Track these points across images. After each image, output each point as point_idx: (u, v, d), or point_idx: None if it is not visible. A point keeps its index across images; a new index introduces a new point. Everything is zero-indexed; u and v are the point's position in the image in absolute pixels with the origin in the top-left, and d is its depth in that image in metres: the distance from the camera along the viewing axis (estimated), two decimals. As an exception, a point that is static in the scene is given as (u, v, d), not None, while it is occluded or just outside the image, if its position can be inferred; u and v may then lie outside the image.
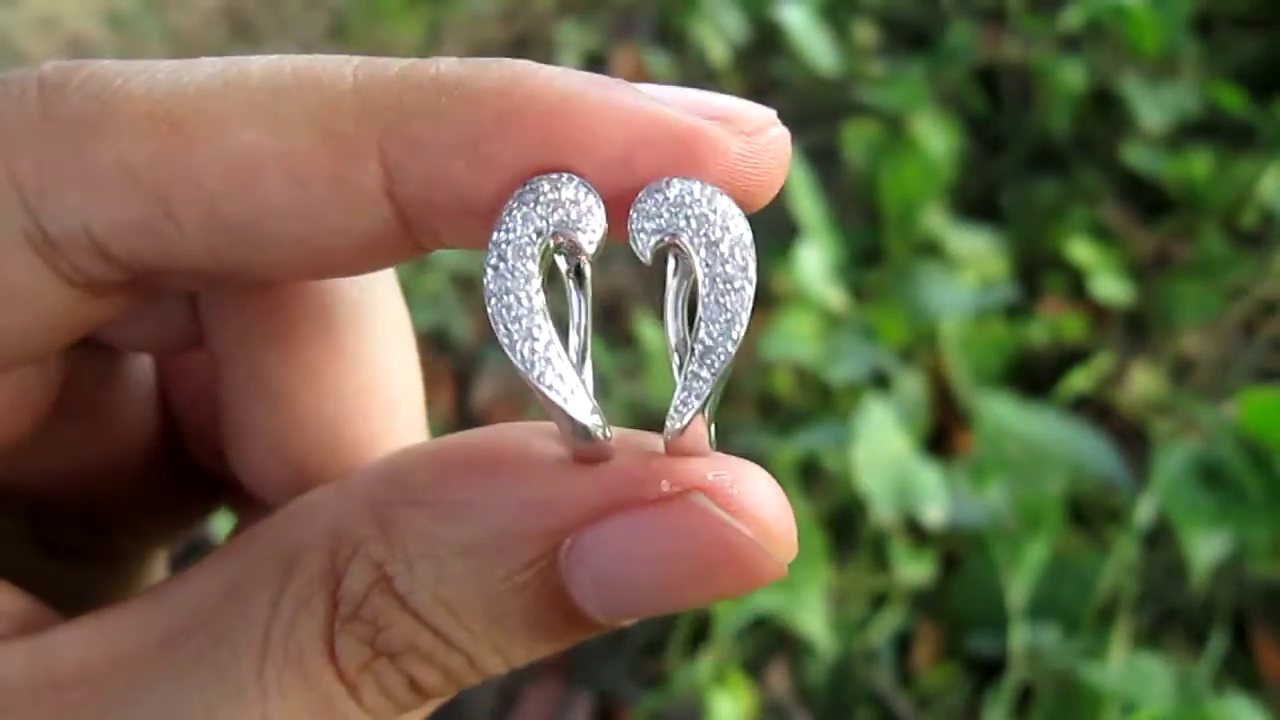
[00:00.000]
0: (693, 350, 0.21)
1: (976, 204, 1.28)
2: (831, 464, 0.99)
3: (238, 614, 0.22)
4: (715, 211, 0.21)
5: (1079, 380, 1.08)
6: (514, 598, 0.21)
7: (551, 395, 0.20)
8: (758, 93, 1.44)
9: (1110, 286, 1.15)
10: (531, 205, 0.20)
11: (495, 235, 0.21)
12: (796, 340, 1.04)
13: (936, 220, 1.19)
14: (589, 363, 0.22)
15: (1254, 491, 0.90)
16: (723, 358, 0.20)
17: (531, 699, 1.01)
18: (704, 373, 0.20)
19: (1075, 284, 1.18)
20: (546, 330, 0.20)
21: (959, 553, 0.99)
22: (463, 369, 1.29)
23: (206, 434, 0.30)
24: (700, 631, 0.98)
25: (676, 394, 0.21)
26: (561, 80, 0.20)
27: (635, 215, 0.21)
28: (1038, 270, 1.21)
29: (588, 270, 0.21)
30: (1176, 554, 0.94)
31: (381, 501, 0.22)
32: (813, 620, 0.87)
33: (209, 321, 0.26)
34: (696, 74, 1.50)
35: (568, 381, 0.20)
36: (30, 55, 1.94)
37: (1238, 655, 0.94)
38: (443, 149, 0.20)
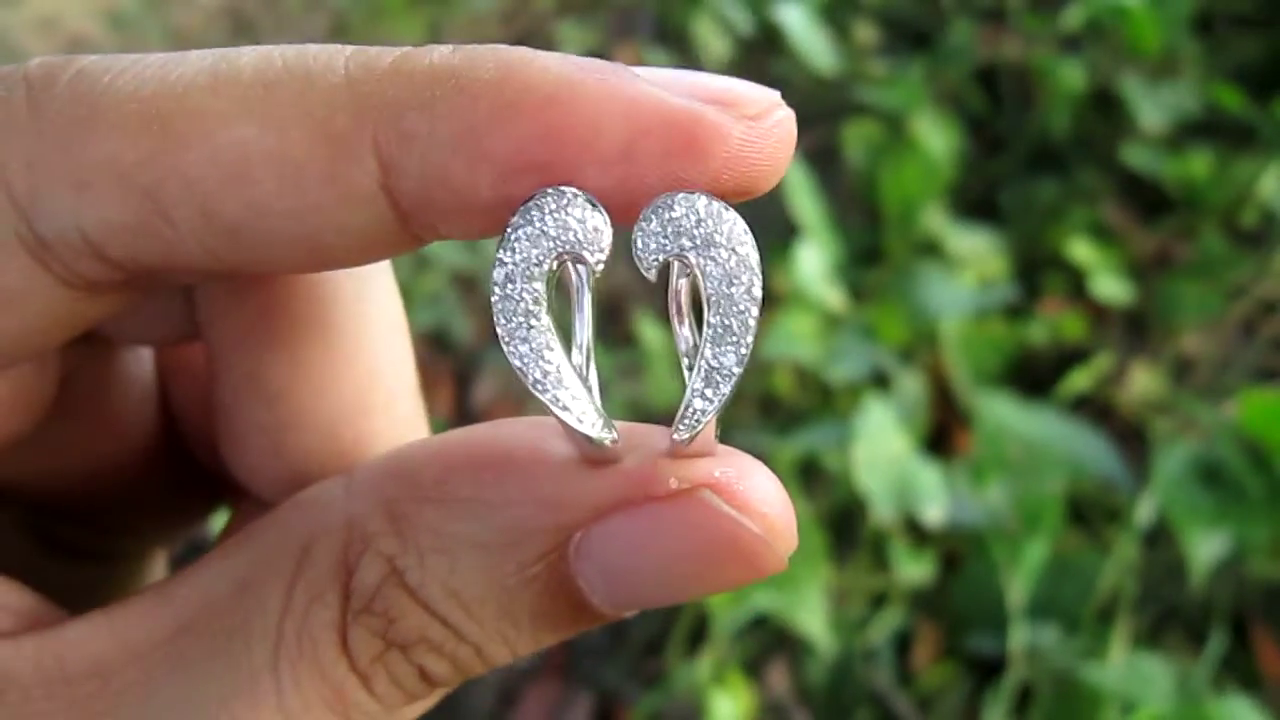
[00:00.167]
0: (698, 368, 0.21)
1: (976, 204, 1.28)
2: (831, 464, 0.99)
3: (250, 607, 0.22)
4: (721, 233, 0.20)
5: (1079, 380, 1.08)
6: (524, 590, 0.22)
7: (565, 417, 0.21)
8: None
9: (1110, 286, 1.15)
10: (537, 224, 0.20)
11: (501, 254, 0.20)
12: (796, 340, 1.04)
13: (936, 220, 1.19)
14: (593, 367, 0.22)
15: (1253, 491, 0.90)
16: (728, 379, 0.21)
17: (531, 698, 1.01)
18: (709, 392, 0.21)
19: (1075, 284, 1.18)
20: (557, 351, 0.20)
21: (959, 552, 0.99)
22: (463, 369, 1.29)
23: (206, 432, 0.30)
24: (700, 631, 0.98)
25: (683, 408, 0.21)
26: (558, 69, 0.20)
27: (639, 235, 0.20)
28: (1037, 270, 1.22)
29: (590, 279, 0.21)
30: (1176, 554, 0.94)
31: (392, 497, 0.22)
32: (812, 620, 0.87)
33: (206, 321, 0.26)
34: (697, 74, 1.49)
35: (579, 400, 0.21)
36: (31, 55, 1.94)
37: (1237, 655, 0.94)
38: (438, 144, 0.20)
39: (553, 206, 0.20)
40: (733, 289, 0.20)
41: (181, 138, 0.20)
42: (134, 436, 0.30)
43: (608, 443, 0.21)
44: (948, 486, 0.93)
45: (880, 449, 0.92)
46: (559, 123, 0.20)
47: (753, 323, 0.20)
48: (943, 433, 1.09)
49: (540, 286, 0.20)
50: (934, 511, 0.91)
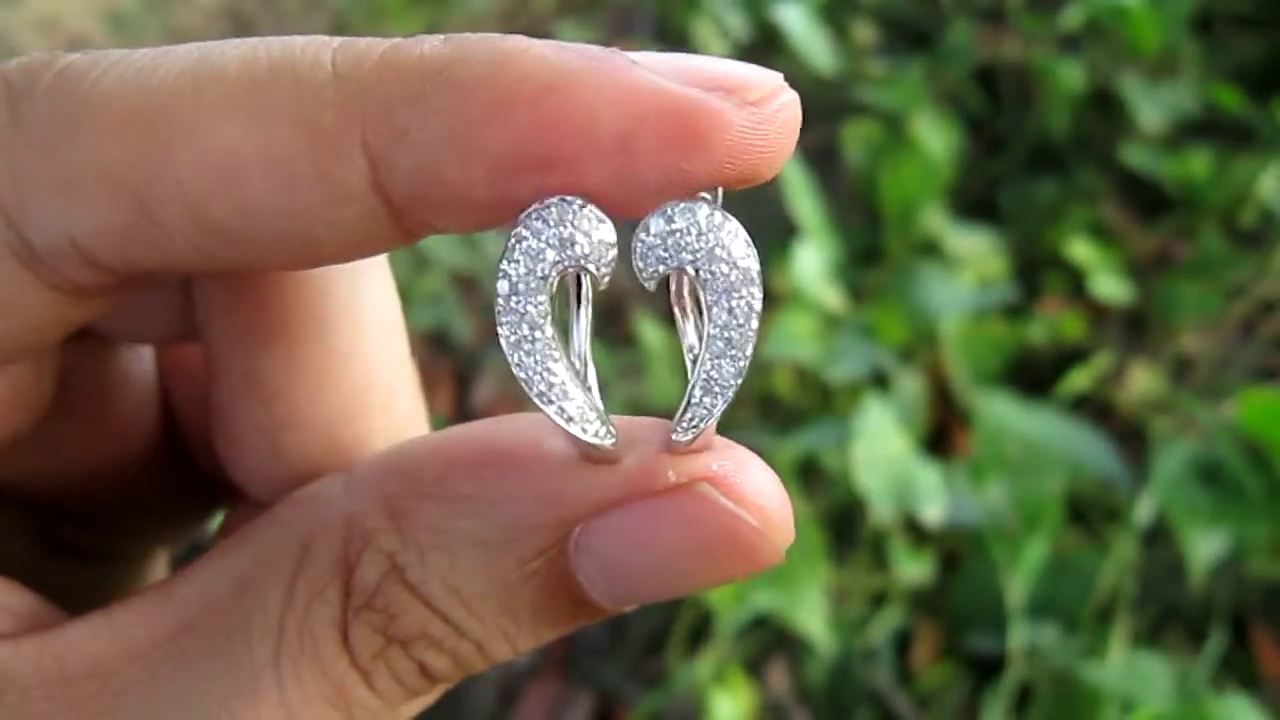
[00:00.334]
0: (698, 378, 0.21)
1: (976, 204, 1.28)
2: (831, 463, 0.99)
3: (251, 605, 0.22)
4: (722, 246, 0.20)
5: (1078, 379, 1.08)
6: (524, 586, 0.22)
7: (570, 428, 0.21)
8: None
9: (1109, 286, 1.15)
10: (543, 238, 0.20)
11: (505, 265, 0.20)
12: (796, 340, 1.04)
13: (936, 220, 1.19)
14: (591, 368, 0.22)
15: (1253, 490, 0.90)
16: (727, 390, 0.21)
17: (532, 697, 1.02)
18: (708, 400, 0.21)
19: (1074, 283, 1.18)
20: (560, 362, 0.20)
21: (958, 552, 0.99)
22: (463, 369, 1.29)
23: (206, 433, 0.30)
24: (700, 630, 0.98)
25: (682, 411, 0.21)
26: (552, 58, 0.19)
27: (639, 247, 0.20)
28: (1037, 270, 1.22)
29: (591, 289, 0.21)
30: (1175, 553, 0.94)
31: (392, 494, 0.22)
32: (812, 619, 0.87)
33: (203, 320, 0.26)
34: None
35: (583, 409, 0.21)
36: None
37: (1236, 654, 0.95)
38: (430, 140, 0.19)
39: (557, 218, 0.20)
40: (733, 302, 0.20)
41: (168, 140, 0.20)
42: (134, 436, 0.30)
43: (609, 446, 0.21)
44: (947, 486, 0.93)
45: (880, 449, 0.92)
46: (554, 115, 0.19)
47: (752, 335, 0.20)
48: (942, 432, 1.09)
49: (544, 299, 0.20)
50: (933, 511, 0.91)
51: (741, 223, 0.21)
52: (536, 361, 0.20)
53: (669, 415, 0.22)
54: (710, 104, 0.19)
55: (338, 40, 0.20)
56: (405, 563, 0.22)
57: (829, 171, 1.29)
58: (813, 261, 1.09)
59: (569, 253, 0.20)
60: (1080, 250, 1.17)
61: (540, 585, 0.22)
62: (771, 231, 1.21)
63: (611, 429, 0.21)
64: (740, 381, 0.21)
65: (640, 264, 0.20)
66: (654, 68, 0.20)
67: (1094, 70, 1.31)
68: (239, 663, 0.22)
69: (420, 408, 0.28)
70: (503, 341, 0.20)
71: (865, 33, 1.45)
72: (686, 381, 0.21)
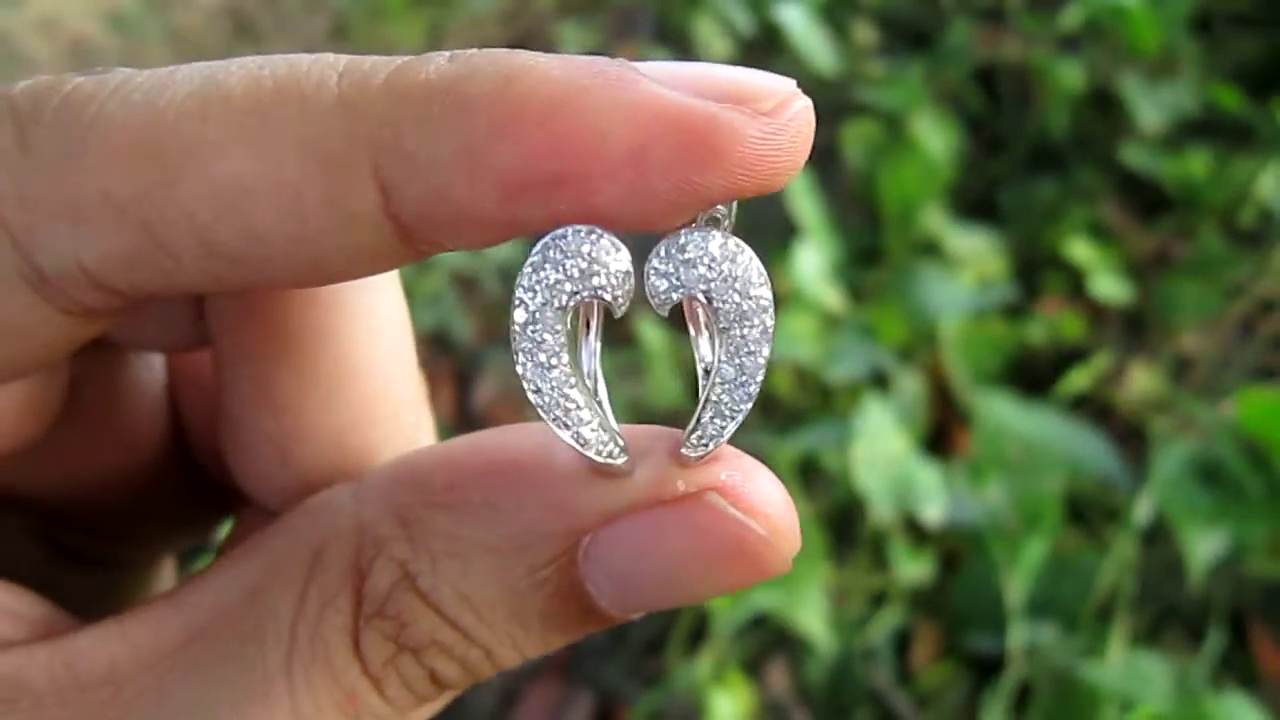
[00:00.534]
0: (708, 400, 0.21)
1: (975, 204, 1.28)
2: (831, 463, 0.99)
3: (263, 612, 0.22)
4: (736, 276, 0.20)
5: (1078, 379, 1.09)
6: (534, 593, 0.22)
7: (586, 451, 0.21)
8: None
9: (1109, 286, 1.16)
10: (561, 270, 0.20)
11: (521, 293, 0.20)
12: (796, 340, 1.04)
13: (935, 220, 1.19)
14: (602, 384, 0.22)
15: (1252, 490, 0.90)
16: (737, 415, 0.21)
17: (532, 698, 1.02)
18: (719, 422, 0.21)
19: (1074, 283, 1.19)
20: (576, 389, 0.21)
21: (958, 552, 0.99)
22: (463, 369, 1.29)
23: (215, 442, 0.30)
24: (700, 630, 0.98)
25: (692, 426, 0.21)
26: (560, 75, 0.19)
27: (651, 274, 0.20)
28: (1036, 270, 1.22)
29: (601, 312, 0.21)
30: (1175, 552, 0.94)
31: (403, 503, 0.23)
32: (812, 619, 0.88)
33: (214, 331, 0.26)
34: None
35: (598, 434, 0.21)
36: (32, 56, 1.94)
37: (1235, 653, 0.95)
38: (439, 163, 0.19)
39: (575, 249, 0.20)
40: (745, 330, 0.20)
41: (174, 167, 0.20)
42: (143, 444, 0.30)
43: (622, 465, 0.21)
44: (947, 486, 0.93)
45: (879, 449, 0.92)
46: (564, 133, 0.19)
47: (763, 362, 0.21)
48: (942, 432, 1.09)
49: (561, 329, 0.20)
50: (933, 511, 0.91)
51: (744, 228, 0.21)
52: (553, 388, 0.21)
53: (670, 416, 0.22)
54: (722, 116, 0.19)
55: (343, 61, 0.20)
56: (417, 570, 0.22)
57: (829, 171, 1.29)
58: (813, 261, 1.09)
59: (588, 284, 0.20)
60: (1080, 250, 1.17)
61: (550, 593, 0.22)
62: (772, 232, 1.21)
63: (624, 448, 0.21)
64: (750, 406, 0.21)
65: (652, 291, 0.20)
66: (664, 80, 0.19)
67: (1093, 70, 1.31)
68: (251, 669, 0.22)
69: (427, 419, 0.28)
70: (519, 369, 0.20)
71: (865, 33, 1.45)
72: (688, 383, 0.21)
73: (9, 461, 0.25)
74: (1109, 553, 0.93)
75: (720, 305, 0.20)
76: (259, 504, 0.27)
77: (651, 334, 1.08)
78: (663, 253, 0.20)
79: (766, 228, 1.25)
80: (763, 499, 0.22)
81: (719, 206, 0.20)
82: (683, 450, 0.21)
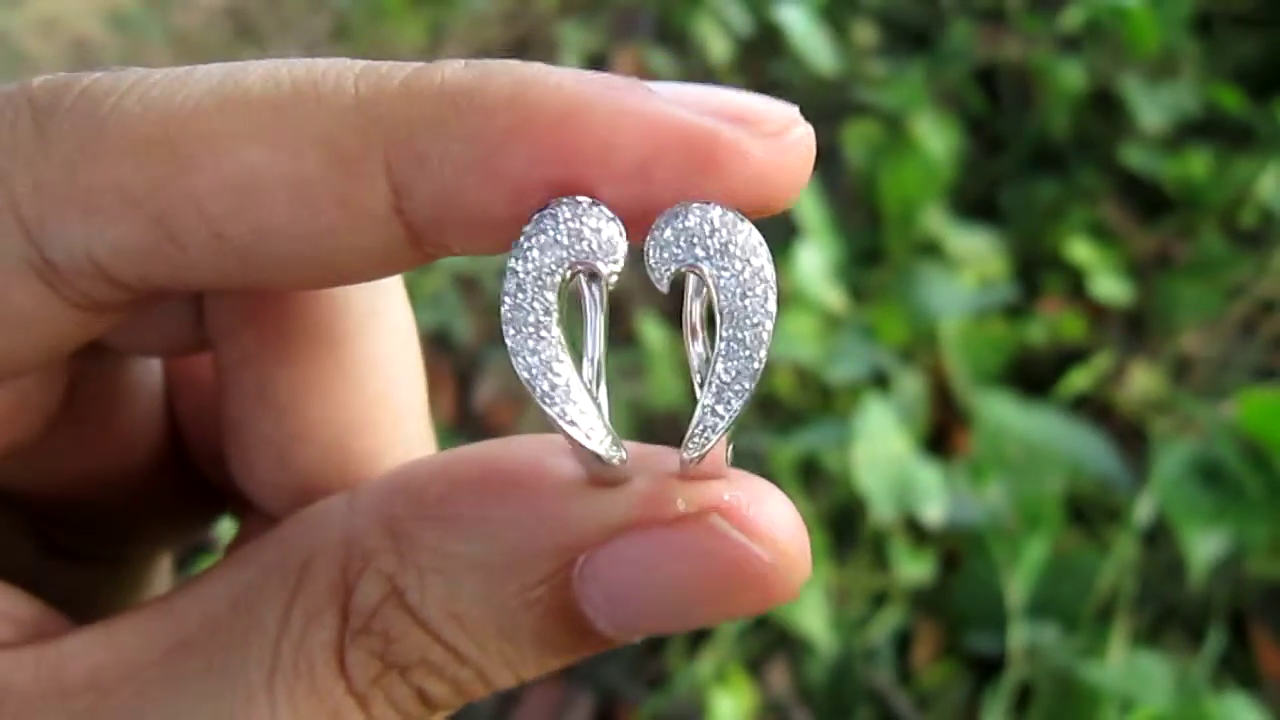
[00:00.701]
0: (709, 384, 0.20)
1: (976, 204, 1.28)
2: (831, 463, 0.99)
3: (248, 625, 0.22)
4: (735, 243, 0.20)
5: (1078, 379, 1.09)
6: (526, 613, 0.21)
7: (572, 432, 0.20)
8: (759, 93, 1.44)
9: (1109, 286, 1.16)
10: (551, 234, 0.20)
11: (512, 263, 0.20)
12: (797, 340, 1.05)
13: (936, 220, 1.19)
14: (604, 385, 0.21)
15: (1252, 490, 0.90)
16: (740, 395, 0.20)
17: (532, 699, 1.02)
18: (720, 408, 0.20)
19: (1074, 283, 1.19)
20: (566, 364, 0.20)
21: (958, 552, 0.99)
22: (464, 369, 1.30)
23: (211, 443, 0.30)
24: (701, 631, 0.98)
25: (693, 425, 0.20)
26: (572, 86, 0.20)
27: (652, 245, 0.20)
28: (1037, 270, 1.22)
29: (603, 293, 0.21)
30: (1175, 552, 0.94)
31: (393, 515, 0.22)
32: (813, 619, 0.88)
33: (216, 333, 0.26)
34: (698, 73, 1.50)
35: (587, 415, 0.20)
36: (33, 56, 1.94)
37: (1236, 653, 0.95)
38: (451, 164, 0.19)
39: (567, 215, 0.20)
40: (746, 301, 0.20)
41: (190, 162, 0.20)
42: (140, 444, 0.29)
43: (615, 461, 0.20)
44: (947, 486, 0.93)
45: (880, 449, 0.92)
46: (574, 140, 0.19)
47: (766, 336, 0.20)
48: (942, 432, 1.09)
49: (551, 297, 0.20)
50: (934, 511, 0.91)
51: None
52: (541, 361, 0.20)
53: (671, 417, 0.21)
54: (727, 133, 0.20)
55: (360, 64, 0.20)
56: (404, 585, 0.21)
57: (829, 172, 1.29)
58: (814, 262, 1.09)
59: (578, 247, 0.20)
60: (1080, 250, 1.17)
61: (543, 613, 0.21)
62: (773, 232, 1.20)
63: (618, 440, 0.20)
64: (754, 387, 0.20)
65: (652, 261, 0.20)
66: (672, 98, 0.20)
67: (1094, 71, 1.31)
68: (234, 684, 0.21)
69: (428, 427, 0.27)
70: (508, 340, 0.20)
71: (866, 33, 1.45)
72: (690, 384, 0.21)
73: (4, 460, 0.25)
74: (1109, 553, 0.93)
75: (722, 275, 0.20)
76: (261, 508, 0.27)
77: (653, 334, 1.08)
78: (663, 224, 0.20)
79: (768, 228, 1.25)
80: (769, 522, 0.21)
81: None
82: (683, 453, 0.21)
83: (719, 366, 0.20)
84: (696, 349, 0.21)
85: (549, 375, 0.20)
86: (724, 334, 0.20)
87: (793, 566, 0.21)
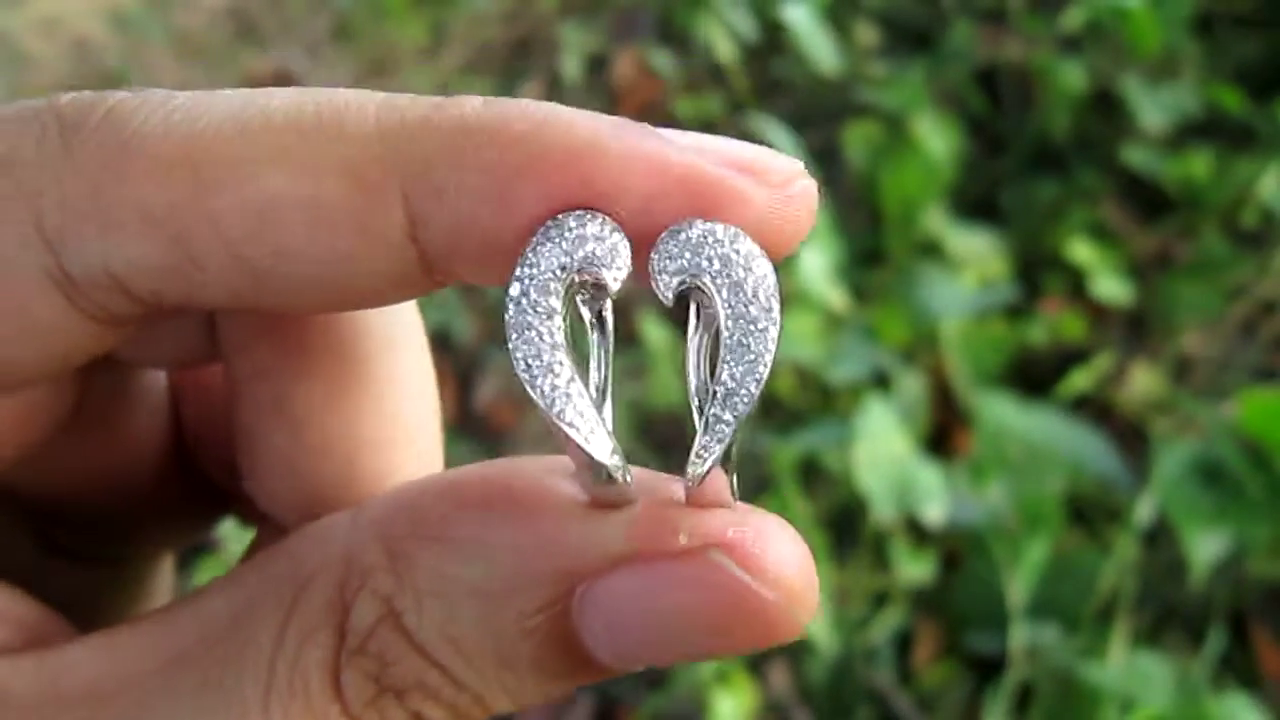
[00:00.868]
0: (714, 393, 0.20)
1: (977, 204, 1.28)
2: (832, 464, 0.99)
3: (245, 640, 0.22)
4: (738, 252, 0.20)
5: (1079, 380, 1.09)
6: (524, 640, 0.21)
7: (572, 433, 0.20)
8: (760, 93, 1.44)
9: (1110, 286, 1.16)
10: (556, 240, 0.20)
11: (518, 270, 0.20)
12: (798, 340, 1.05)
13: (937, 220, 1.20)
14: (609, 404, 0.21)
15: (1253, 491, 0.90)
16: (746, 400, 0.20)
17: (534, 697, 1.02)
18: (727, 415, 0.20)
19: (1075, 284, 1.19)
20: (568, 367, 0.20)
21: (959, 552, 0.99)
22: (465, 369, 1.30)
23: (216, 448, 0.30)
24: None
25: (698, 439, 0.20)
26: (587, 124, 0.20)
27: (656, 257, 0.20)
28: (1038, 270, 1.22)
29: (609, 314, 0.21)
30: (1176, 553, 0.94)
31: (393, 534, 0.22)
32: (813, 619, 0.88)
33: (228, 344, 0.26)
34: (700, 73, 1.50)
35: (588, 419, 0.20)
36: (34, 56, 1.94)
37: (1237, 653, 0.95)
38: (467, 194, 0.20)
39: (573, 224, 0.20)
40: (751, 307, 0.20)
41: (213, 183, 0.20)
42: (144, 448, 0.30)
43: (617, 474, 0.20)
44: (948, 486, 0.93)
45: (881, 449, 0.92)
46: (586, 175, 0.20)
47: (771, 344, 0.20)
48: (943, 433, 1.09)
49: (555, 302, 0.20)
50: (934, 511, 0.91)
51: None
52: (543, 363, 0.20)
53: (672, 418, 0.21)
54: (733, 179, 0.20)
55: (381, 95, 0.21)
56: (401, 608, 0.21)
57: (830, 172, 1.29)
58: (815, 262, 1.09)
59: (582, 253, 0.20)
60: (1081, 251, 1.17)
61: (541, 641, 0.21)
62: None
63: (618, 448, 0.20)
64: (759, 392, 0.20)
65: (656, 271, 0.20)
66: (682, 144, 0.20)
67: (1095, 71, 1.31)
68: (229, 701, 0.21)
69: (440, 446, 0.27)
70: (510, 345, 0.20)
71: (867, 34, 1.45)
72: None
73: (9, 465, 0.25)
74: (1110, 553, 0.93)
75: (726, 283, 0.20)
76: (273, 519, 0.27)
77: (655, 333, 1.08)
78: (668, 238, 0.20)
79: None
80: (773, 559, 0.20)
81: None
82: (689, 468, 0.20)
83: (725, 373, 0.20)
84: (696, 377, 0.21)
85: (550, 377, 0.20)
86: (729, 341, 0.20)
87: (797, 606, 0.20)
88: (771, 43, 1.46)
